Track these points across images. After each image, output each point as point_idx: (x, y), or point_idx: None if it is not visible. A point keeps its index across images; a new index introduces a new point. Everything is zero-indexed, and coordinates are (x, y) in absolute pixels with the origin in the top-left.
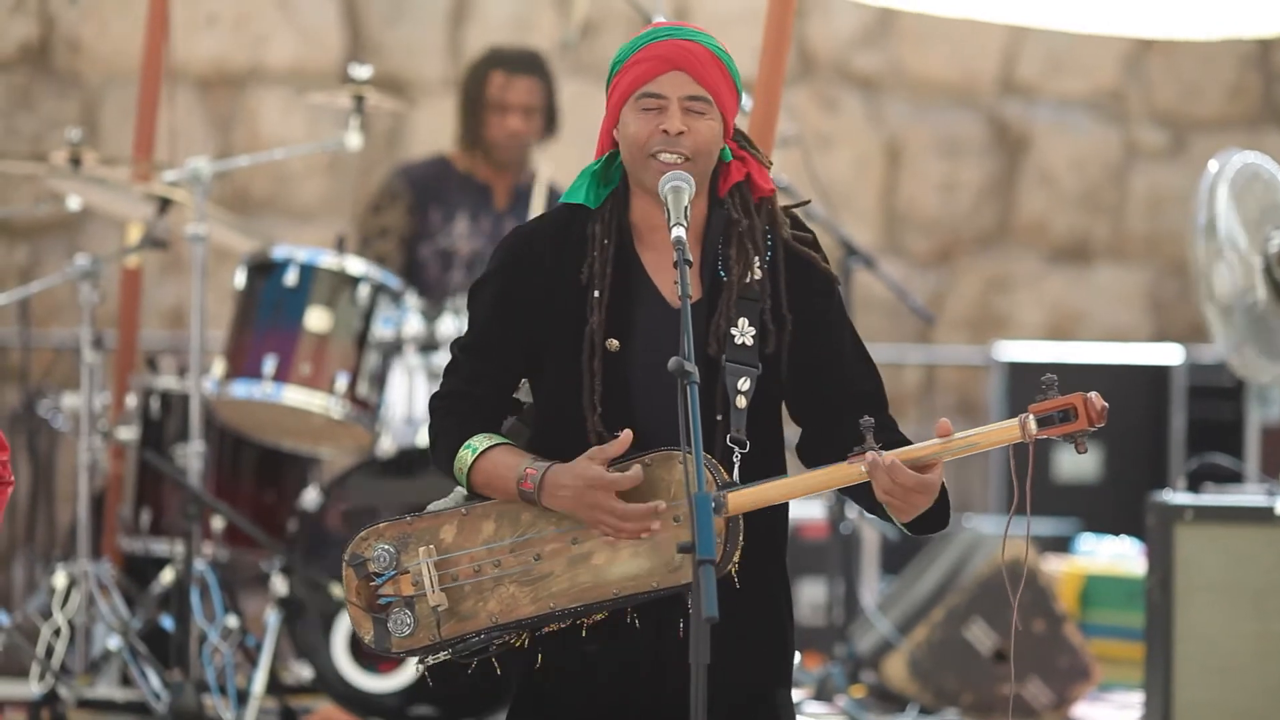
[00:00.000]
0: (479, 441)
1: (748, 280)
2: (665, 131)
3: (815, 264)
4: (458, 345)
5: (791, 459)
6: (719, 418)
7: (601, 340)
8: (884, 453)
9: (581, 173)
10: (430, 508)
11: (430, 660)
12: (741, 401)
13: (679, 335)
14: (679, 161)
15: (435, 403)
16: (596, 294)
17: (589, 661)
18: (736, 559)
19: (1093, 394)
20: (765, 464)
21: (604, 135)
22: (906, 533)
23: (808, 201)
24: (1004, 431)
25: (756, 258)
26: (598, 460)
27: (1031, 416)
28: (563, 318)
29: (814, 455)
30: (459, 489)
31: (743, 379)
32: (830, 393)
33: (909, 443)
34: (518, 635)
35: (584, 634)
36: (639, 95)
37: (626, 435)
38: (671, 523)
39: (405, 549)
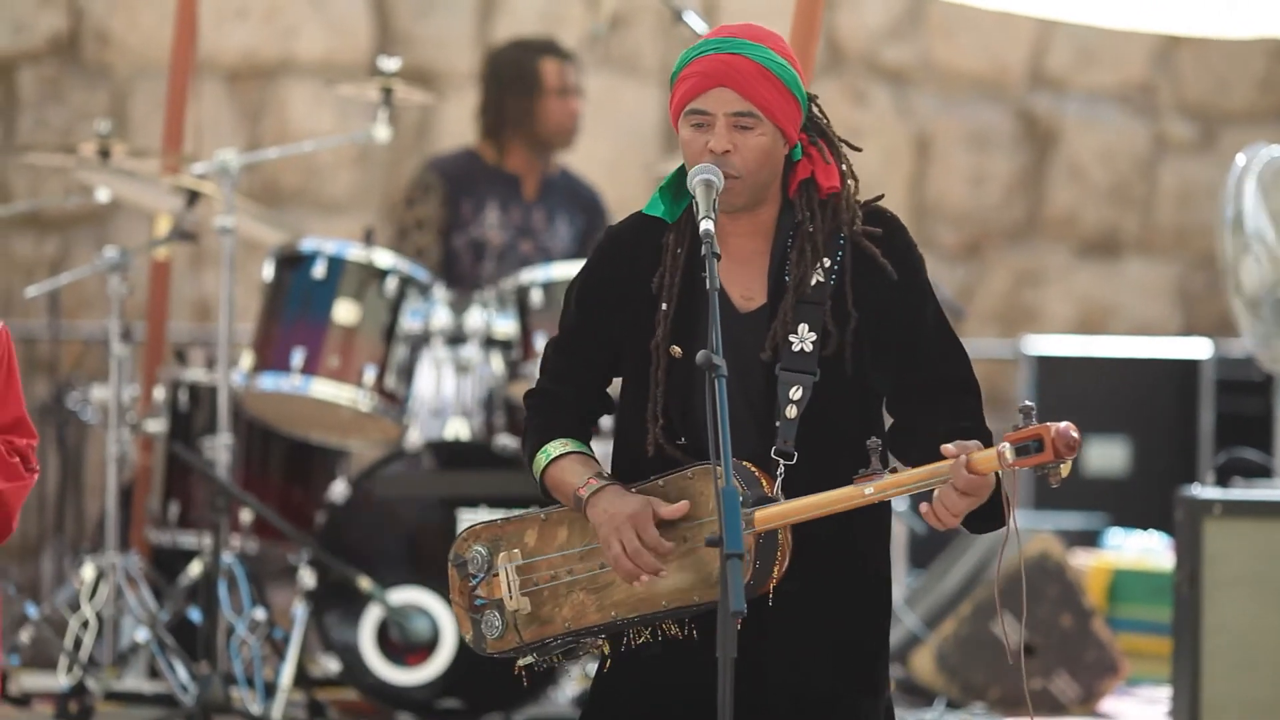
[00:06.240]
0: (554, 448)
1: (810, 284)
2: (712, 150)
3: (877, 259)
4: (550, 342)
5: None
6: (777, 424)
7: (666, 352)
8: (871, 486)
9: (660, 185)
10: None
11: (521, 661)
12: (792, 411)
13: (745, 340)
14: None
15: (526, 400)
16: (664, 306)
17: (651, 666)
18: (776, 575)
19: (1063, 425)
20: (822, 476)
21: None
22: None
23: (881, 196)
24: (985, 461)
25: (824, 259)
26: (652, 509)
27: (1008, 446)
28: (635, 325)
29: (899, 447)
30: None
31: (795, 388)
32: (909, 383)
33: (984, 434)
34: (594, 641)
35: (646, 640)
36: (688, 111)
37: (683, 506)
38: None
39: (497, 551)
